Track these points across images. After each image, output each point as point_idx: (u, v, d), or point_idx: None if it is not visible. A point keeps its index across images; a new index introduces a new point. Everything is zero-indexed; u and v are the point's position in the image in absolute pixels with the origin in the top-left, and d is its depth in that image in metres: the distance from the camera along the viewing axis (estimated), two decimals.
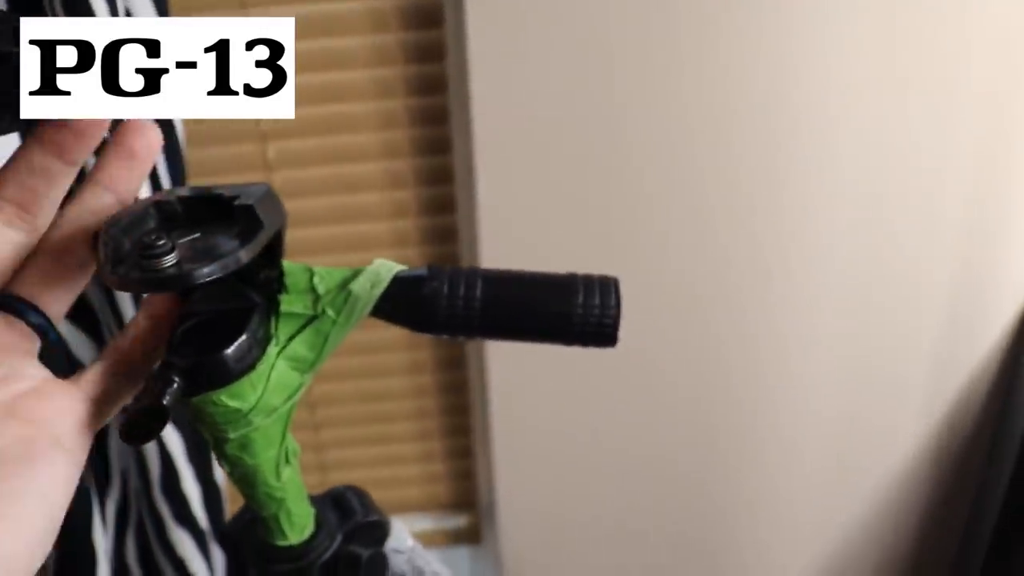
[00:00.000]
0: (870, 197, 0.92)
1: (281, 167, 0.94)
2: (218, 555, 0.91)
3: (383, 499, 1.16)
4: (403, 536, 0.55)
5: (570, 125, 0.87)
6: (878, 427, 1.09)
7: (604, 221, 0.93)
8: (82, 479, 0.33)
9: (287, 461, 0.41)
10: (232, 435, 0.37)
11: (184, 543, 0.80)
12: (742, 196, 0.92)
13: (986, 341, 1.02)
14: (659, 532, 1.15)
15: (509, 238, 0.93)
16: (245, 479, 0.40)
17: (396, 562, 0.55)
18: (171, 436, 0.76)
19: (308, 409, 1.08)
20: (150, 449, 0.76)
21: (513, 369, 1.01)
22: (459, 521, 1.18)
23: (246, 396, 0.35)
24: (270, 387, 0.36)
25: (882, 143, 0.90)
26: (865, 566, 1.21)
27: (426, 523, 1.17)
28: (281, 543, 0.44)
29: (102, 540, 0.76)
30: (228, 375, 0.34)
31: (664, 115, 0.87)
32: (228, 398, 0.35)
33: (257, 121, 0.91)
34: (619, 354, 1.00)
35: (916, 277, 0.97)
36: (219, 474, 0.89)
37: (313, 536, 0.45)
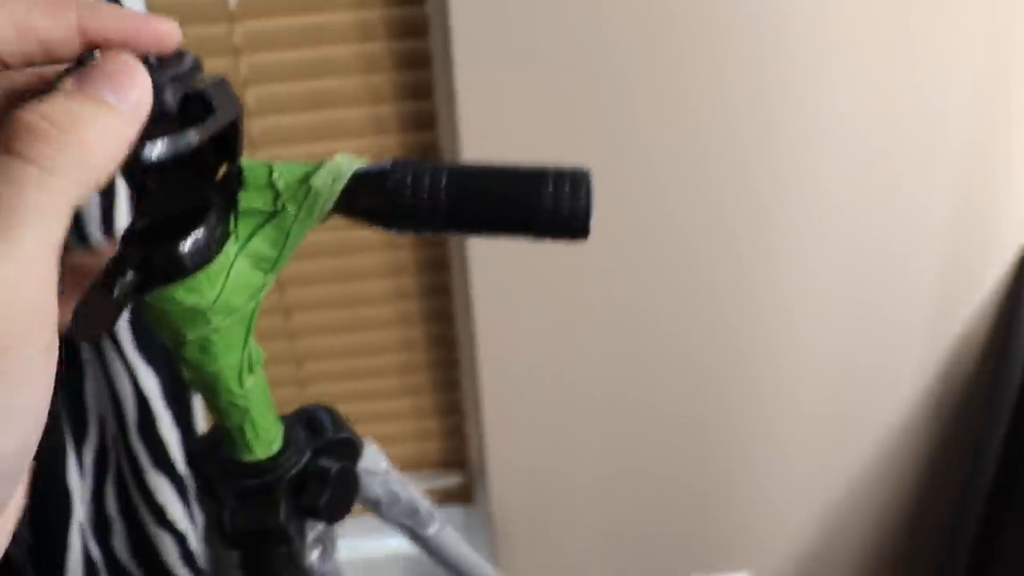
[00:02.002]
0: (870, 134, 0.92)
1: (249, 50, 0.93)
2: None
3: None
4: (377, 458, 0.56)
5: (556, 27, 0.86)
6: (877, 372, 1.09)
7: (588, 141, 0.92)
8: (55, 422, 0.33)
9: (250, 369, 0.41)
10: (191, 336, 0.37)
11: (163, 489, 0.81)
12: (738, 129, 0.92)
13: (986, 282, 1.02)
14: (654, 486, 1.15)
15: (489, 130, 0.91)
16: (207, 387, 0.40)
17: (369, 484, 0.56)
18: (148, 378, 0.76)
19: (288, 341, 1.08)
20: (126, 392, 0.76)
21: (502, 321, 1.01)
22: (449, 481, 1.19)
23: (203, 292, 0.35)
24: (229, 285, 0.36)
25: (882, 78, 0.89)
26: (865, 515, 1.21)
27: (416, 483, 1.18)
28: (247, 458, 0.44)
29: (78, 486, 0.76)
30: (183, 268, 0.34)
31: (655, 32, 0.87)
32: (185, 293, 0.35)
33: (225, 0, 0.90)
34: (610, 301, 1.00)
35: (916, 215, 0.97)
36: (199, 418, 0.90)
37: (281, 451, 0.45)
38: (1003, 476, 1.14)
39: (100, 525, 0.84)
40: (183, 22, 0.31)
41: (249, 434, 0.43)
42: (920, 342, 1.07)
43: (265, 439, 0.44)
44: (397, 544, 1.17)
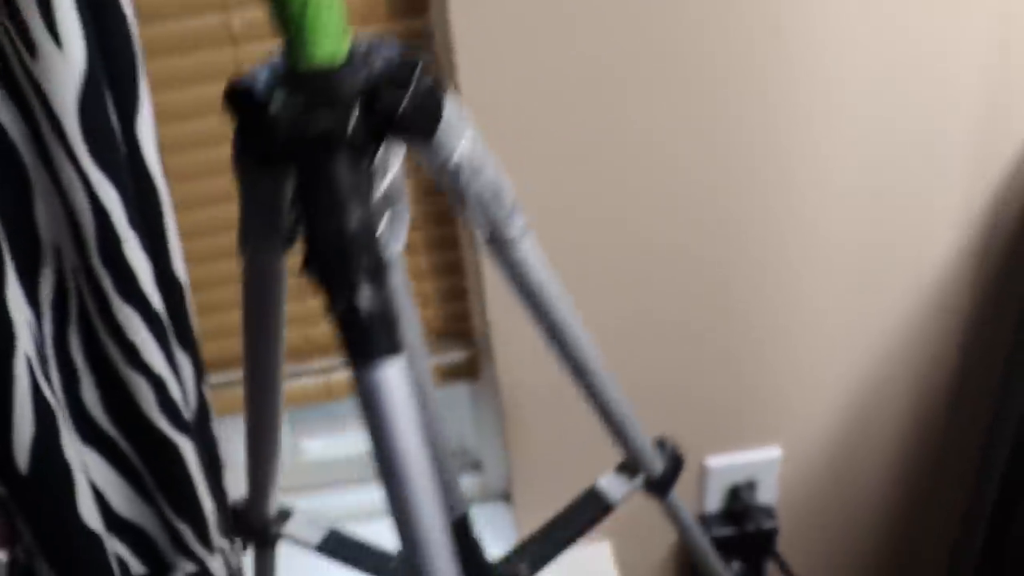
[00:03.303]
0: None
1: None
2: (185, 361, 0.85)
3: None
4: (460, 114, 0.51)
5: None
6: (914, 223, 1.02)
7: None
8: None
9: None
10: None
11: (134, 325, 0.73)
12: None
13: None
14: (675, 350, 1.08)
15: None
16: None
17: (452, 129, 0.50)
18: (107, 191, 0.69)
19: None
20: (82, 207, 0.69)
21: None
22: (455, 356, 1.12)
23: None
24: None
25: None
26: (902, 387, 1.15)
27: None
28: (308, 64, 0.40)
29: (26, 316, 0.69)
30: None
31: None
32: None
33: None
34: (623, 144, 0.93)
35: (950, 61, 0.90)
36: (180, 270, 0.83)
37: (348, 59, 0.40)
38: None
39: (67, 376, 0.77)
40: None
41: (313, 24, 0.39)
42: (964, 174, 1.00)
43: (330, 31, 0.39)
44: None
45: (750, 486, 1.19)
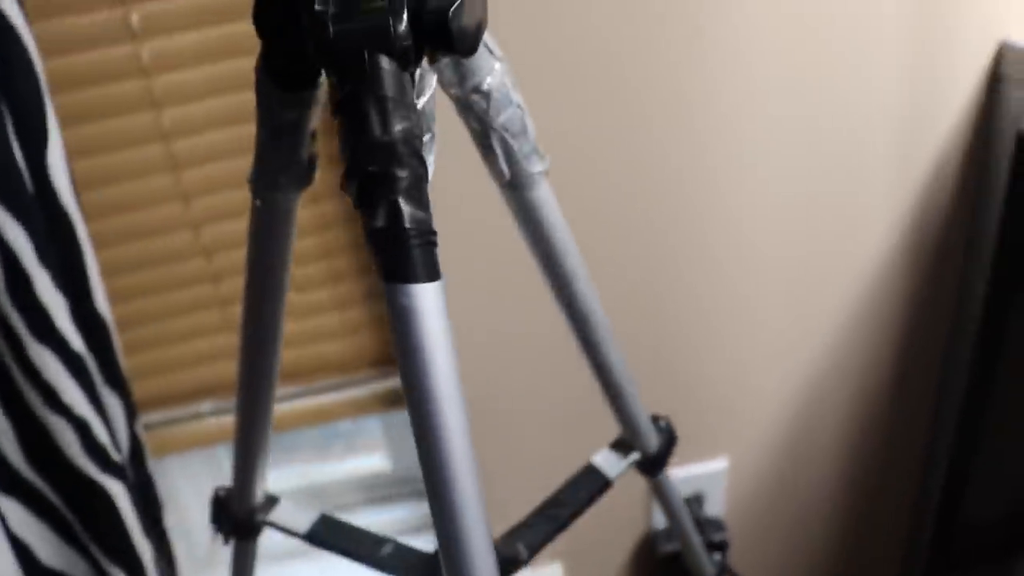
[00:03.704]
0: None
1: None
2: (113, 401, 0.83)
3: (305, 360, 1.08)
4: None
5: None
6: (846, 216, 1.03)
7: None
8: None
9: None
10: None
11: (50, 366, 0.72)
12: None
13: (957, 96, 0.97)
14: None
15: None
16: None
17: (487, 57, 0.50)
18: (12, 230, 0.67)
19: (205, 257, 1.00)
20: None
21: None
22: (395, 384, 1.11)
23: None
24: None
25: None
26: (846, 388, 1.16)
27: (363, 389, 1.10)
28: None
29: None
30: None
31: None
32: None
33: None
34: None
35: (876, 26, 0.92)
36: (102, 307, 0.81)
37: None
38: (990, 320, 1.09)
39: None
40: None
41: None
42: (889, 173, 1.01)
43: None
44: None
45: (698, 499, 1.20)
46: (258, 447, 0.71)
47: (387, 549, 0.73)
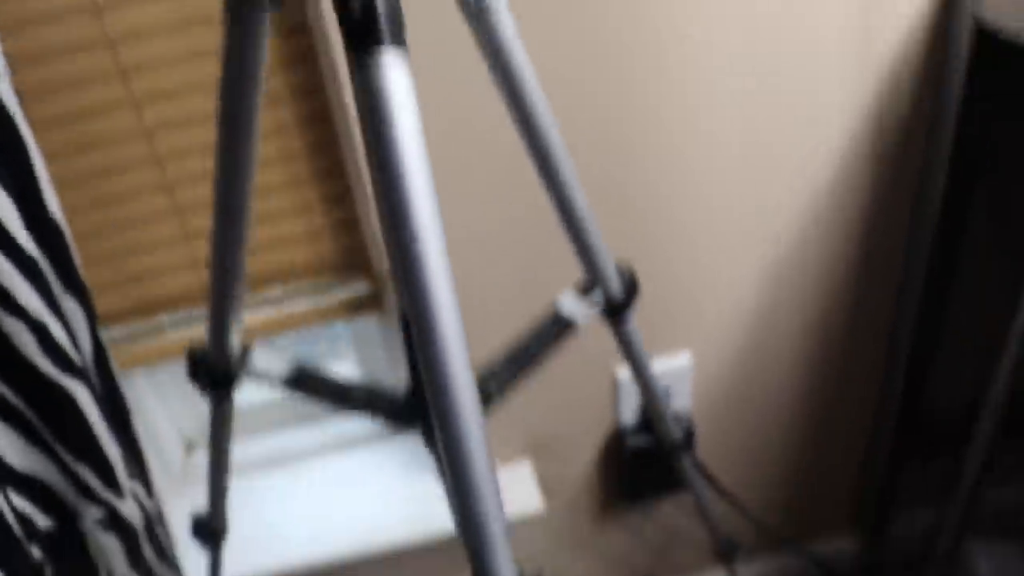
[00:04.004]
0: None
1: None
2: (73, 306, 0.84)
3: (269, 268, 1.09)
4: None
5: None
6: (805, 113, 1.04)
7: None
8: None
9: None
10: None
11: (3, 267, 0.72)
12: None
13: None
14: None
15: None
16: None
17: None
18: None
19: (159, 168, 1.00)
20: None
21: None
22: (358, 289, 1.12)
23: None
24: None
25: None
26: (808, 279, 1.18)
27: (328, 297, 1.11)
28: None
29: None
30: None
31: None
32: None
33: None
34: None
35: None
36: (55, 212, 0.81)
37: None
38: (950, 210, 1.10)
39: None
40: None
41: None
42: (849, 60, 1.01)
43: None
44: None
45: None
46: (231, 297, 0.71)
47: (362, 392, 0.75)
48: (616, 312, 0.81)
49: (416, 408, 0.71)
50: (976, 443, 1.13)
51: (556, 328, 0.75)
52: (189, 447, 1.35)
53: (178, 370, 1.25)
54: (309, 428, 1.34)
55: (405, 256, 0.47)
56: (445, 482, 0.62)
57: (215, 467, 0.89)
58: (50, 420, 0.81)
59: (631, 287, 0.80)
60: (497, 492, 0.52)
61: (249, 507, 1.27)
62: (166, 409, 1.29)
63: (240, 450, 1.32)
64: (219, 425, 0.84)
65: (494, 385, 0.70)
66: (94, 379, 0.87)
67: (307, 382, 0.77)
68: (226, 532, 1.00)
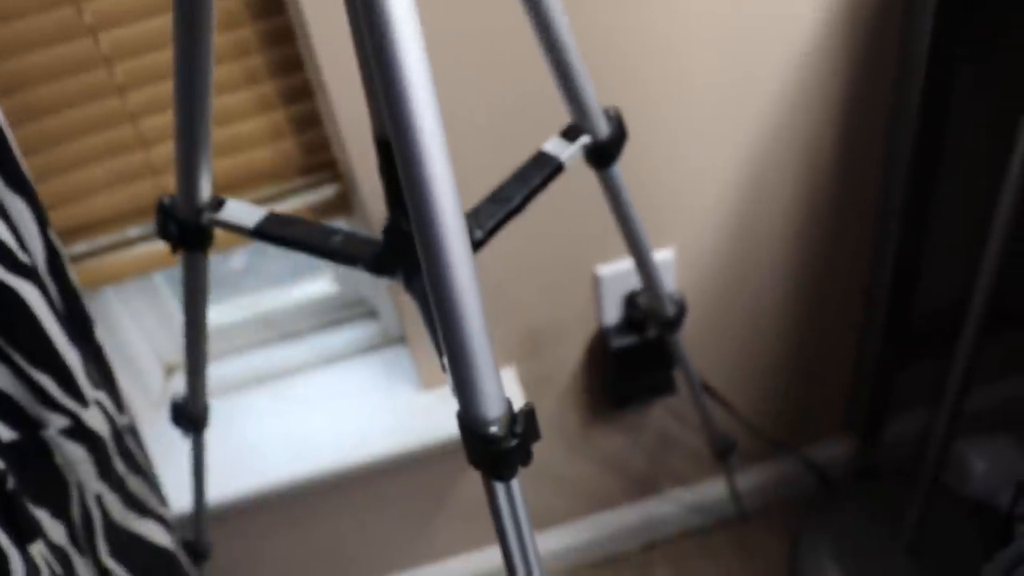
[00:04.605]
0: None
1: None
2: (19, 205, 0.81)
3: (234, 171, 1.05)
4: None
5: None
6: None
7: None
8: None
9: None
10: None
11: None
12: None
13: None
14: None
15: None
16: None
17: None
18: None
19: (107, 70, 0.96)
20: None
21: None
22: (325, 192, 1.08)
23: None
24: None
25: None
26: (788, 166, 1.15)
27: (295, 200, 1.08)
28: None
29: None
30: None
31: None
32: None
33: None
34: None
35: None
36: None
37: None
38: (934, 88, 1.07)
39: None
40: None
41: None
42: None
43: None
44: None
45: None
46: (199, 142, 0.68)
47: (337, 238, 0.72)
48: (603, 157, 0.79)
49: (397, 252, 0.69)
50: (963, 338, 1.10)
51: (541, 170, 0.73)
52: (169, 371, 1.33)
53: (151, 288, 1.22)
54: (288, 346, 1.31)
55: (388, 77, 0.47)
56: (430, 319, 0.62)
57: (191, 340, 0.86)
58: (2, 326, 0.78)
59: (618, 131, 0.78)
60: (484, 324, 0.51)
61: (233, 426, 1.25)
62: (142, 331, 1.26)
63: (219, 370, 1.29)
64: (192, 290, 0.80)
65: (478, 230, 0.68)
66: (49, 284, 0.84)
67: (281, 231, 0.74)
68: (207, 418, 0.99)
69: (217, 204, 0.75)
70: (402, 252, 0.68)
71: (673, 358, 1.24)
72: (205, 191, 0.72)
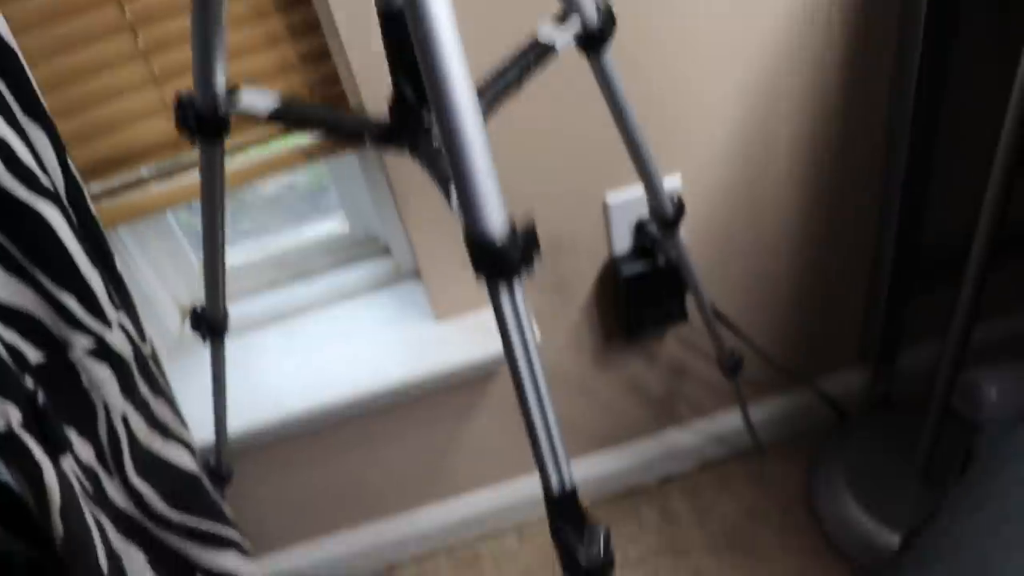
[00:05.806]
0: None
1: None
2: (37, 132, 0.84)
3: None
4: None
5: None
6: None
7: None
8: None
9: None
10: None
11: None
12: None
13: None
14: (562, 82, 1.09)
15: None
16: None
17: None
18: None
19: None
20: None
21: None
22: None
23: None
24: None
25: None
26: (796, 95, 1.17)
27: (303, 135, 1.11)
28: None
29: None
30: None
31: None
32: None
33: None
34: None
35: None
36: (5, 34, 0.81)
37: None
38: (939, 11, 1.08)
39: None
40: None
41: None
42: None
43: None
44: None
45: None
46: (213, 36, 0.71)
47: (347, 118, 0.77)
48: (594, 43, 0.82)
49: (402, 124, 0.73)
50: (971, 263, 1.12)
51: (535, 53, 0.76)
52: (185, 314, 1.37)
53: (167, 233, 1.26)
54: (302, 285, 1.35)
55: None
56: (438, 174, 0.67)
57: (209, 239, 0.89)
58: (25, 245, 0.82)
59: (608, 18, 0.81)
60: (488, 149, 0.54)
61: (250, 364, 1.29)
62: (159, 277, 1.30)
63: (235, 310, 1.33)
64: (210, 180, 0.83)
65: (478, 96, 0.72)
66: (68, 209, 0.88)
67: (296, 114, 0.79)
68: (226, 324, 1.02)
69: (232, 96, 0.79)
70: (406, 124, 0.72)
71: (684, 285, 1.27)
72: (220, 82, 0.76)
